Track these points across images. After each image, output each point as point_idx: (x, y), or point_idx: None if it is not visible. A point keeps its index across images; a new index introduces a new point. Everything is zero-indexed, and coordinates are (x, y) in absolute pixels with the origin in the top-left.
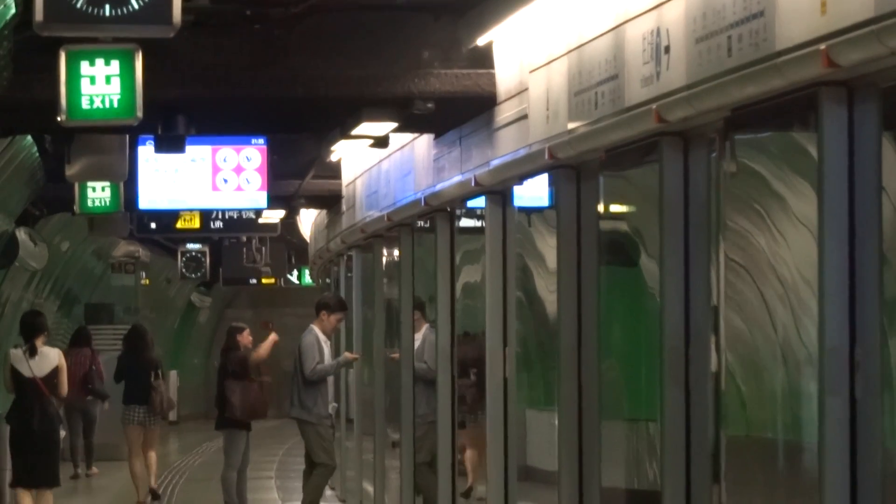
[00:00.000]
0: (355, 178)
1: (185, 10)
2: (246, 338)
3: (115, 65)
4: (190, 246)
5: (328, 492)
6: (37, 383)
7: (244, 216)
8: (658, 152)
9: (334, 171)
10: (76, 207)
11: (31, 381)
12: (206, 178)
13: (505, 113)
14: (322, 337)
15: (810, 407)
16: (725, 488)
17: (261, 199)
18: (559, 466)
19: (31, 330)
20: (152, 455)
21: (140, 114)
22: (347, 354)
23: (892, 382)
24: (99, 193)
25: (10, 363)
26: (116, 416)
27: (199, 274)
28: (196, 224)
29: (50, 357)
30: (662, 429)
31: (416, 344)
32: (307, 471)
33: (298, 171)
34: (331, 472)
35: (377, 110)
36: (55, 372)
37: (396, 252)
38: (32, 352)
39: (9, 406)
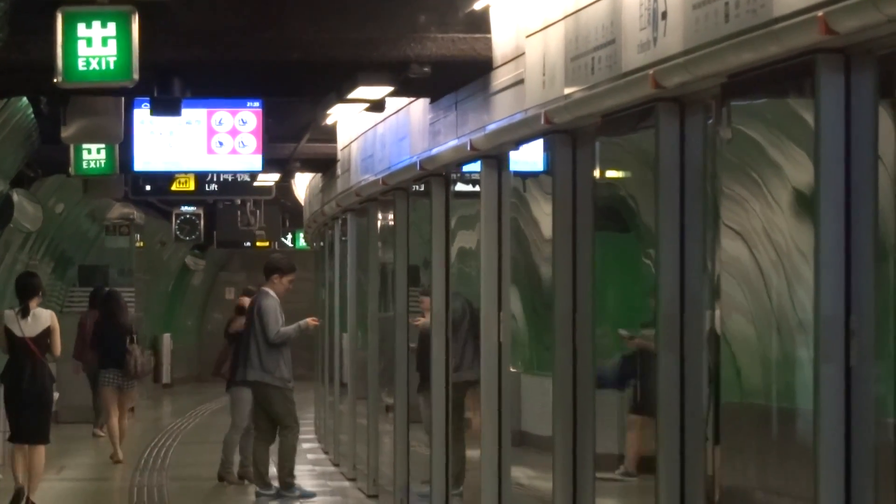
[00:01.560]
0: (351, 142)
1: None
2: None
3: (111, 27)
4: (184, 208)
5: (321, 455)
6: (27, 343)
7: (239, 179)
8: (654, 118)
9: (330, 134)
10: (71, 169)
11: (22, 341)
12: (201, 141)
13: (501, 78)
14: (277, 299)
15: (805, 374)
16: (720, 454)
17: (256, 163)
18: (553, 433)
19: (25, 291)
20: (123, 424)
21: (136, 76)
22: (309, 320)
23: (887, 350)
24: (94, 155)
25: (3, 324)
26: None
27: (193, 236)
28: (191, 187)
29: (42, 318)
30: (657, 395)
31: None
32: (261, 434)
33: (294, 135)
34: (297, 433)
35: (373, 74)
36: (47, 332)
37: (391, 216)
38: (25, 312)
39: (3, 366)
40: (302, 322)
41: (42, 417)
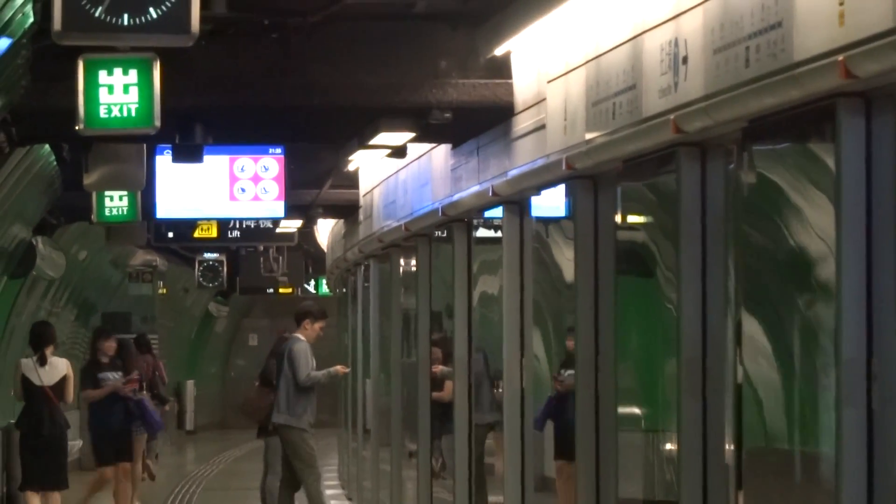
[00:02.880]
0: (373, 188)
1: (202, 19)
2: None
3: (132, 74)
4: (207, 255)
5: (345, 502)
6: (45, 391)
7: (261, 225)
8: (675, 163)
9: (352, 180)
10: (93, 216)
11: (40, 389)
12: (223, 188)
13: (522, 123)
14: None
15: (827, 418)
16: (743, 499)
17: (278, 209)
18: (577, 476)
19: (40, 340)
20: (136, 469)
21: (158, 123)
22: (339, 367)
23: None
24: (116, 202)
25: (20, 372)
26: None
27: (216, 283)
28: (213, 233)
29: (59, 367)
30: (680, 440)
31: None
32: (286, 481)
33: (316, 181)
34: (319, 477)
35: (394, 120)
36: (63, 380)
37: (414, 262)
38: (42, 361)
39: (18, 413)
40: (332, 369)
41: (60, 463)
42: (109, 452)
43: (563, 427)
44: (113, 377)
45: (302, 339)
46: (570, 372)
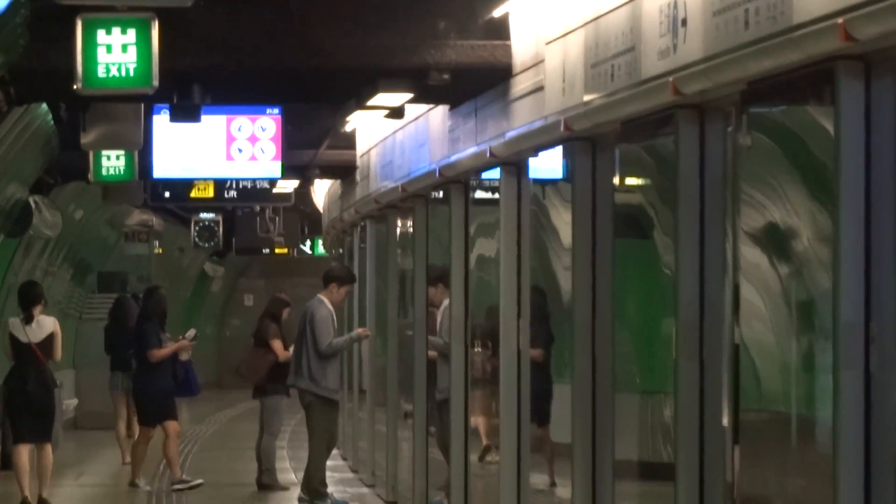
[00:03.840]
0: (370, 149)
1: None
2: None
3: (131, 34)
4: (203, 215)
5: (340, 462)
6: (32, 349)
7: (258, 186)
8: (674, 125)
9: (349, 141)
10: (90, 176)
11: (27, 347)
12: (220, 148)
13: (521, 84)
14: (332, 308)
15: (825, 381)
16: (739, 461)
17: (275, 169)
18: (573, 439)
19: (27, 299)
20: (134, 425)
21: (156, 82)
22: (360, 331)
23: None
24: (113, 162)
25: (8, 330)
26: (103, 385)
27: (212, 243)
28: (210, 193)
29: (45, 324)
30: (677, 402)
31: (439, 318)
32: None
33: (313, 141)
34: (332, 446)
35: (393, 81)
36: (50, 338)
37: (410, 223)
38: (29, 319)
39: (7, 371)
40: (353, 333)
41: (46, 419)
42: (154, 413)
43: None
44: (167, 337)
45: (325, 303)
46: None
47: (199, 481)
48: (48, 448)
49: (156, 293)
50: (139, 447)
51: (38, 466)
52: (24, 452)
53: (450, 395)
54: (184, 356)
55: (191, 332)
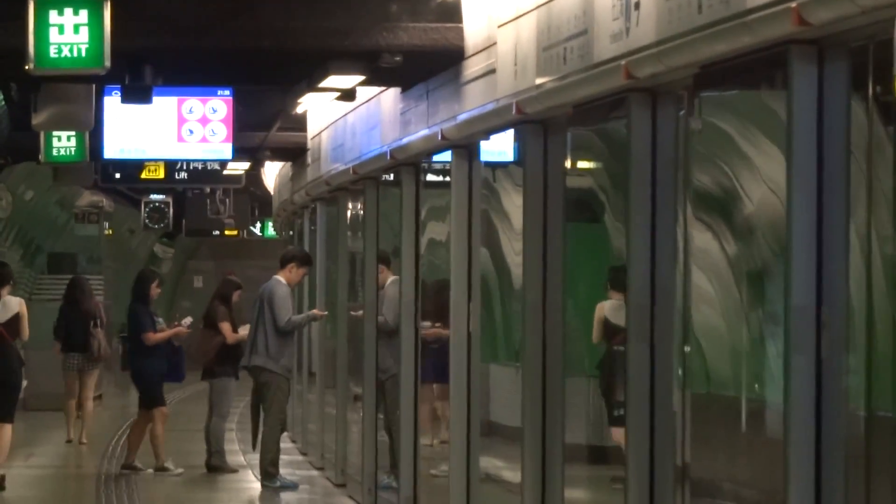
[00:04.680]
0: (321, 131)
1: None
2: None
3: (83, 14)
4: (154, 196)
5: (289, 444)
6: None
7: (209, 167)
8: (626, 109)
9: (300, 123)
10: (41, 156)
11: None
12: (171, 129)
13: (473, 67)
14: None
15: (776, 365)
16: (689, 446)
17: (226, 151)
18: (523, 422)
19: None
20: (88, 406)
21: (108, 63)
22: (316, 311)
23: (858, 342)
24: (64, 143)
25: None
26: (56, 366)
27: (162, 224)
28: (160, 175)
29: (11, 305)
30: (627, 386)
31: (382, 299)
32: (257, 420)
33: (264, 123)
34: (285, 424)
35: (344, 63)
36: (16, 318)
37: (361, 205)
38: None
39: None
40: (310, 312)
41: (11, 398)
42: (156, 395)
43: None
44: (160, 321)
45: (283, 282)
46: (427, 323)
47: (181, 470)
48: (8, 428)
49: (147, 275)
50: (139, 430)
51: None
52: None
53: (394, 373)
54: (177, 342)
55: (187, 320)
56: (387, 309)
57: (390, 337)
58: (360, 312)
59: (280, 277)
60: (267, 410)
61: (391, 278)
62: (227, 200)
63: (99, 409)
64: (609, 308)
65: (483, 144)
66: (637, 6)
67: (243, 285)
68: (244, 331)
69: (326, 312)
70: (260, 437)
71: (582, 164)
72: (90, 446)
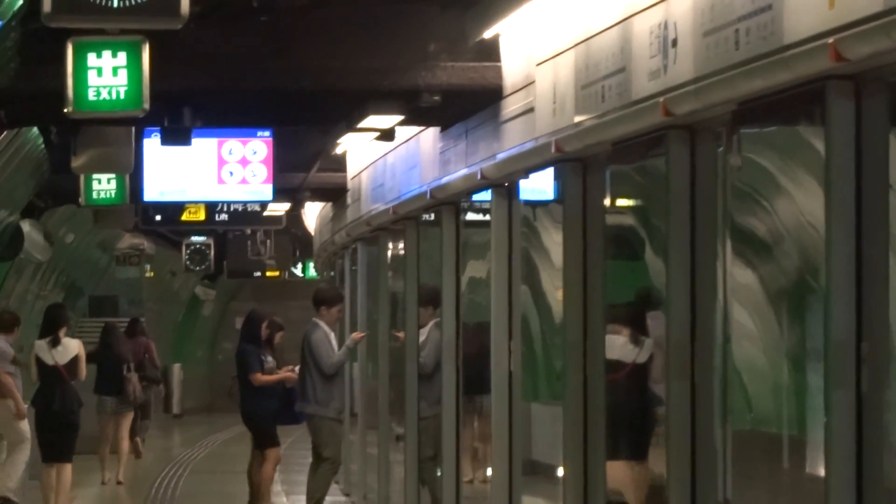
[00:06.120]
0: (361, 171)
1: (192, 1)
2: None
3: (122, 56)
4: (194, 238)
5: (333, 485)
6: (59, 370)
7: (249, 209)
8: (665, 146)
9: (339, 163)
10: (81, 199)
11: (53, 369)
12: (211, 171)
13: (511, 106)
14: (328, 329)
15: (816, 402)
16: (731, 483)
17: (266, 192)
18: (564, 462)
19: (55, 322)
20: (123, 446)
21: (147, 105)
22: (354, 336)
23: None
24: (104, 185)
25: (34, 353)
26: (90, 409)
27: (203, 266)
28: (201, 216)
29: (71, 347)
30: (669, 424)
31: (421, 339)
32: (314, 465)
33: (304, 164)
34: (337, 468)
35: (383, 103)
36: (75, 360)
37: (402, 245)
38: (55, 342)
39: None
40: (348, 341)
41: (70, 438)
42: (270, 434)
43: None
44: (270, 361)
45: (320, 324)
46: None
47: None
48: (68, 467)
49: (253, 315)
50: (267, 472)
51: (58, 484)
52: (52, 472)
53: (428, 416)
54: (288, 384)
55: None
56: (427, 351)
57: (427, 380)
58: (401, 338)
59: (317, 320)
60: (320, 453)
61: (432, 322)
62: (268, 241)
63: (143, 451)
64: (609, 343)
65: (522, 183)
66: (675, 43)
67: (285, 326)
68: (284, 372)
69: (366, 332)
70: (316, 475)
71: (621, 202)
72: (130, 488)
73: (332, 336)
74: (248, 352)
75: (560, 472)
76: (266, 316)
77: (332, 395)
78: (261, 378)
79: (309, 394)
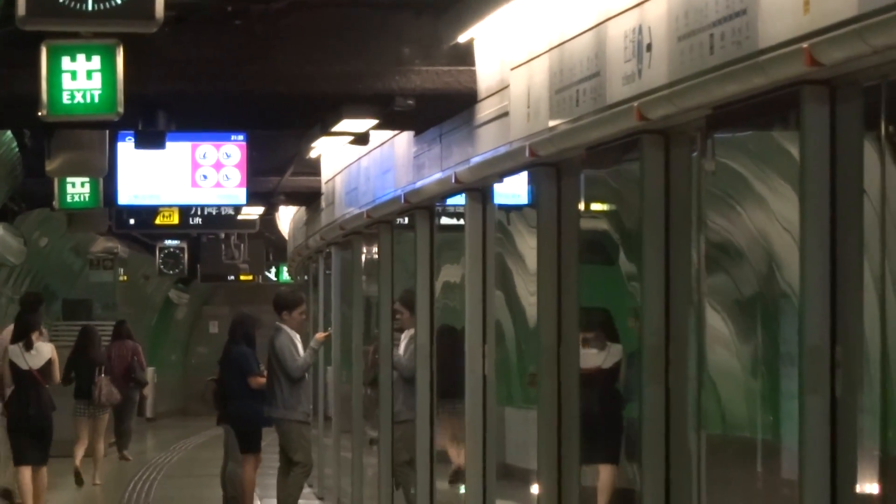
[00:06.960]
0: (335, 175)
1: (166, 5)
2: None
3: (96, 60)
4: (168, 242)
5: (306, 489)
6: (33, 374)
7: (223, 212)
8: (639, 150)
9: (314, 167)
10: (55, 203)
11: (27, 373)
12: (185, 174)
13: (486, 110)
14: (292, 333)
15: (790, 406)
16: (705, 488)
17: (240, 196)
18: (538, 465)
19: (27, 327)
20: (99, 447)
21: (121, 109)
22: (317, 336)
23: (873, 381)
24: (78, 189)
25: (7, 357)
26: (64, 413)
27: (177, 270)
28: (175, 220)
29: (44, 351)
30: (642, 428)
31: (403, 343)
32: (283, 469)
33: (278, 168)
34: (309, 471)
35: (358, 107)
36: (49, 364)
37: (376, 249)
38: (28, 346)
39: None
40: (312, 342)
41: (45, 441)
42: (256, 439)
43: None
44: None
45: (284, 329)
46: None
47: None
48: (44, 470)
49: (245, 318)
50: (251, 476)
51: (34, 487)
52: (27, 473)
53: (407, 417)
54: None
55: None
56: (409, 354)
57: (410, 384)
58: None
59: (281, 325)
60: (292, 458)
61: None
62: (242, 245)
63: (115, 455)
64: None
65: (497, 187)
66: (649, 48)
67: (259, 329)
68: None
69: (329, 332)
70: (288, 480)
71: (595, 206)
72: (106, 490)
73: (297, 339)
74: (247, 354)
75: (534, 476)
76: (257, 318)
77: (300, 398)
78: (259, 381)
79: (277, 399)
